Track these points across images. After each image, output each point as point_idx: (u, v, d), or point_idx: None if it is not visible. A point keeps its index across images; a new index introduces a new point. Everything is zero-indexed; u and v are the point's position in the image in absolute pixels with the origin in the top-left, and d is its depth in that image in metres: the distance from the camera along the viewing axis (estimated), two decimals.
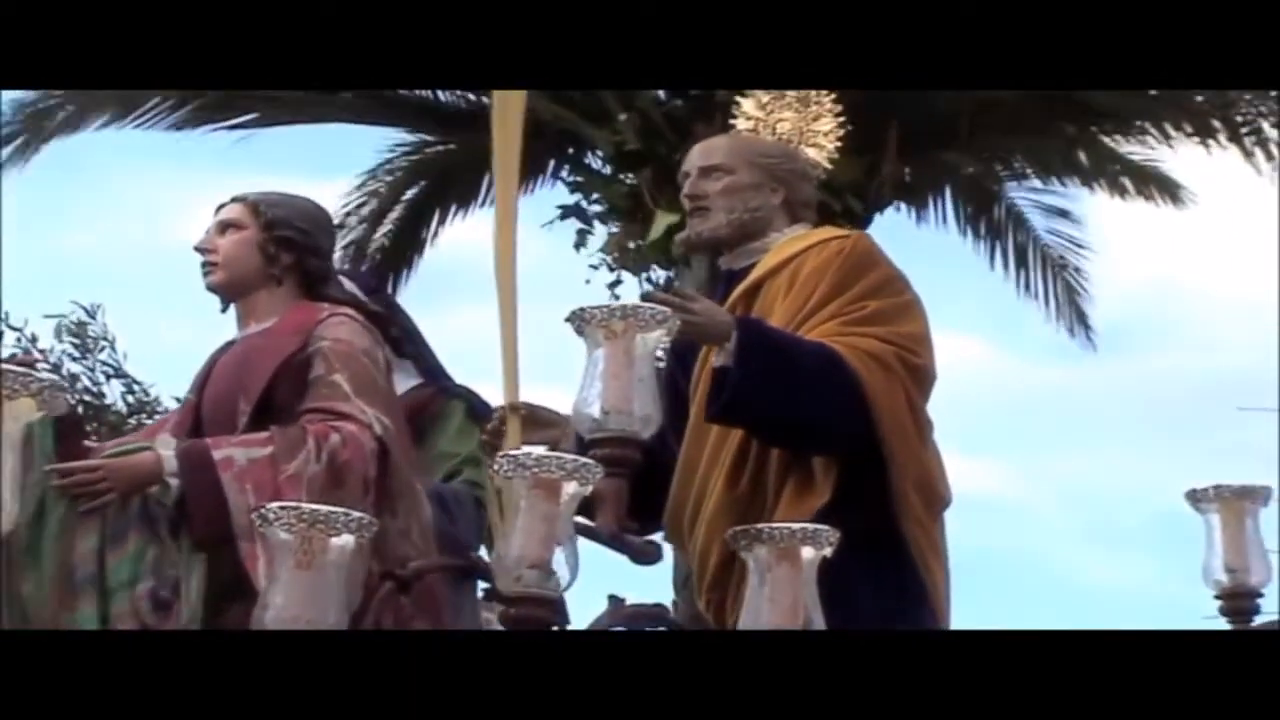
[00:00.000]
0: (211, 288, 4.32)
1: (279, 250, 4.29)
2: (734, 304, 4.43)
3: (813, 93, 4.89)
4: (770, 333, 4.19)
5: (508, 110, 3.88)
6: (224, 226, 4.32)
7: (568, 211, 10.71)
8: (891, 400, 4.14)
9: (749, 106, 4.93)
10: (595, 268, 10.59)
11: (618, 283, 11.15)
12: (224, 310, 4.33)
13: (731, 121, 4.97)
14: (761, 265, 4.46)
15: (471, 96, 10.80)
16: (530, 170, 11.41)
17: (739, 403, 4.08)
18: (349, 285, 5.10)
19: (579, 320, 3.43)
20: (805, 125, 4.89)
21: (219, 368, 4.24)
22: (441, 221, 11.82)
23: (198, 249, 4.30)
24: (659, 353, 3.56)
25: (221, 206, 4.37)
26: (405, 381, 5.01)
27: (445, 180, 11.48)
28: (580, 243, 10.84)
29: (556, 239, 10.95)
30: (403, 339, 5.02)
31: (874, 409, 4.10)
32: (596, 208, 10.52)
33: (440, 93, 10.87)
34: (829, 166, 4.85)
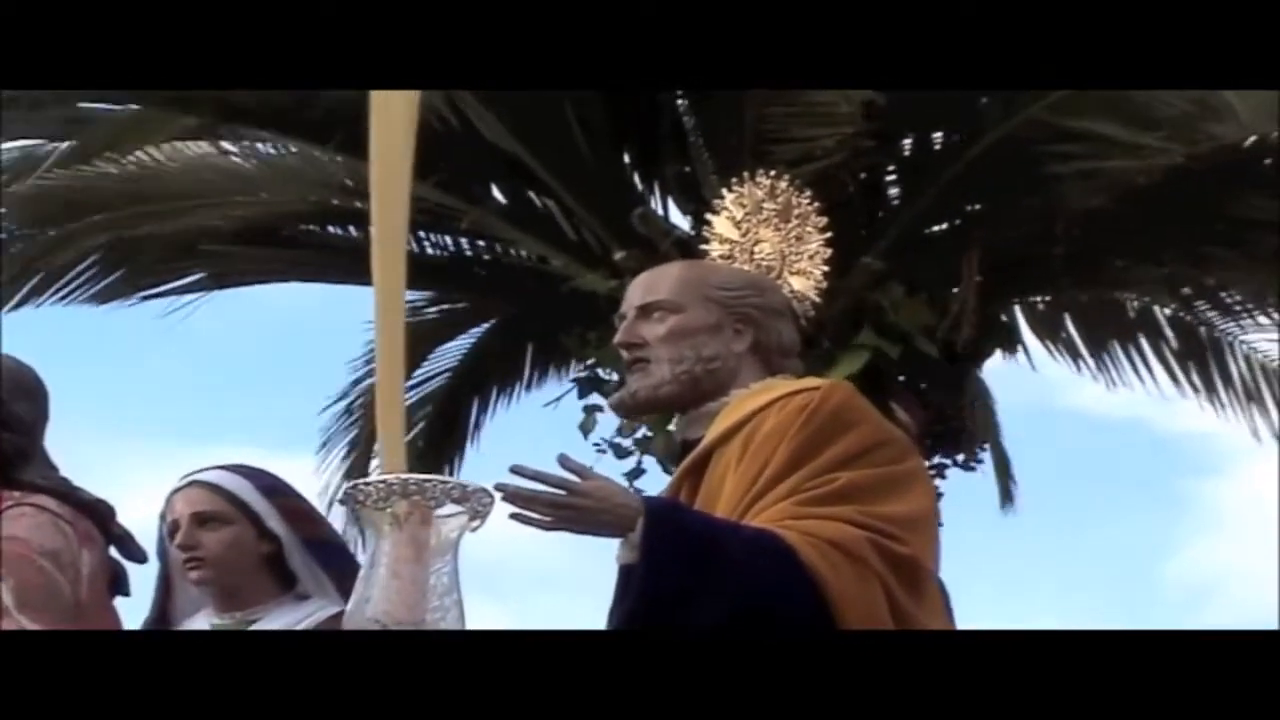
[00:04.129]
0: None
1: None
2: (678, 483, 3.46)
3: (794, 202, 3.83)
4: (690, 519, 3.27)
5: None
6: None
7: (584, 387, 9.02)
8: (864, 602, 3.25)
9: (723, 227, 3.91)
10: (625, 455, 8.64)
11: (639, 472, 8.89)
12: None
13: (704, 248, 3.90)
14: (712, 430, 3.39)
15: (448, 243, 9.37)
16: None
17: (647, 610, 3.18)
18: (229, 476, 4.04)
19: (352, 502, 2.62)
20: (787, 247, 3.84)
21: None
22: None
23: None
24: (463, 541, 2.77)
25: None
26: (327, 608, 3.97)
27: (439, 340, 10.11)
28: (587, 425, 8.96)
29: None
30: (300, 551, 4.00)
31: (838, 614, 3.22)
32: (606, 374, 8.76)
33: (426, 238, 9.39)
34: (817, 300, 3.76)
